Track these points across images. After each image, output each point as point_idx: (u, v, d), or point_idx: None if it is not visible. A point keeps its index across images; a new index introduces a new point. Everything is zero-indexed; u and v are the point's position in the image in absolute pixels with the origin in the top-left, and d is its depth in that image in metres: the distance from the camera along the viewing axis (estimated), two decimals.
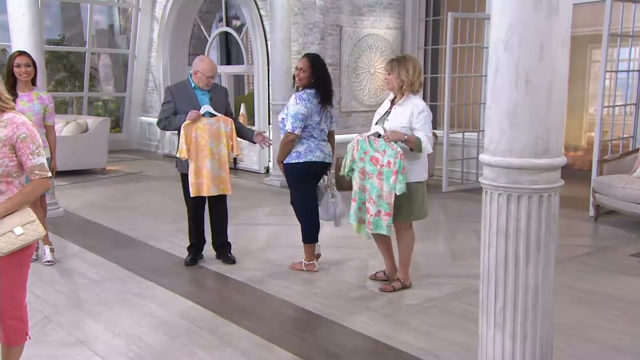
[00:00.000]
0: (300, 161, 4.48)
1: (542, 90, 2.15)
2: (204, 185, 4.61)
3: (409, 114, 3.96)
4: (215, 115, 4.62)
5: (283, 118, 4.52)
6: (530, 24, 2.11)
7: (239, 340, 3.50)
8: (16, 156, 2.50)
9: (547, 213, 2.24)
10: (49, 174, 2.58)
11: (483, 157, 2.32)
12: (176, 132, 4.73)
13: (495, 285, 2.32)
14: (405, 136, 3.91)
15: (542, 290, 2.28)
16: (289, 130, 4.43)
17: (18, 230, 2.46)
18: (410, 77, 3.99)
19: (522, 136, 2.19)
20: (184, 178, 4.71)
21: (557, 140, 2.23)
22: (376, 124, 4.16)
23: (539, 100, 2.16)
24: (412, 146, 3.93)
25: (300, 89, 4.52)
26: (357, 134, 4.23)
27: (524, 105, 2.17)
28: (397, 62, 4.06)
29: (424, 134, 3.93)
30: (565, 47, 2.18)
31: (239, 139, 4.76)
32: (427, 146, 3.92)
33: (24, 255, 2.57)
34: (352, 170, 4.18)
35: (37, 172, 2.54)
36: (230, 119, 4.72)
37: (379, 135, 4.02)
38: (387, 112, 4.12)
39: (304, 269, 4.67)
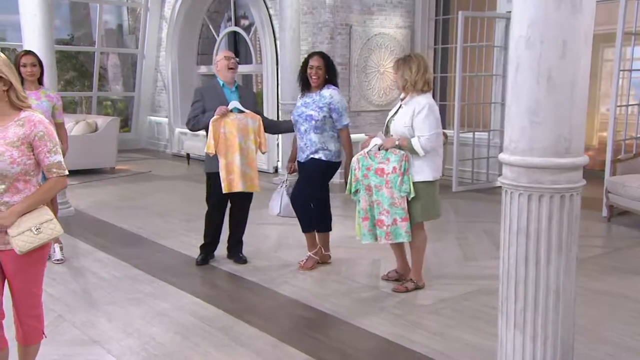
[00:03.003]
0: (337, 161, 4.57)
1: (564, 87, 2.12)
2: (234, 181, 4.58)
3: (411, 113, 3.96)
4: (244, 112, 4.61)
5: (310, 115, 4.48)
6: (553, 20, 2.08)
7: (252, 339, 3.48)
8: (34, 154, 2.50)
9: (569, 213, 2.21)
10: (67, 172, 2.58)
11: (503, 156, 2.29)
12: (188, 132, 4.72)
13: (515, 286, 2.29)
14: (397, 141, 3.98)
15: (564, 292, 2.24)
16: (349, 124, 4.56)
17: (36, 228, 2.47)
18: (413, 76, 3.97)
19: (544, 135, 2.15)
20: (211, 177, 4.69)
21: (579, 139, 2.19)
22: (387, 124, 4.16)
23: (561, 98, 2.13)
24: (405, 149, 3.98)
25: (315, 88, 4.55)
26: (358, 153, 4.23)
27: (546, 103, 2.14)
28: (403, 61, 4.07)
29: (416, 137, 3.93)
30: (588, 44, 2.14)
31: (275, 134, 4.77)
32: (417, 147, 3.91)
33: (42, 253, 2.58)
34: (356, 190, 4.18)
35: (54, 170, 2.54)
36: (258, 116, 4.70)
37: (379, 148, 4.06)
38: (396, 112, 4.13)
39: (311, 264, 4.68)
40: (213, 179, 4.66)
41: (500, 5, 7.92)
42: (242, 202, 4.84)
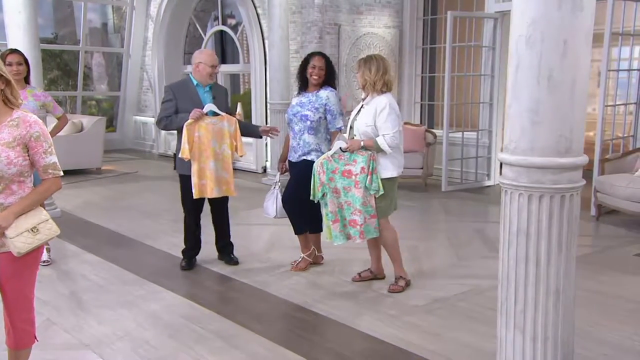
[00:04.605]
0: None
1: (565, 87, 2.11)
2: (207, 186, 4.48)
3: (373, 112, 4.04)
4: (219, 114, 4.52)
5: (306, 115, 4.44)
6: (554, 19, 2.07)
7: (246, 342, 3.44)
8: (29, 155, 2.46)
9: (569, 213, 2.21)
10: (62, 173, 2.55)
11: (502, 156, 2.27)
12: (174, 131, 4.64)
13: (515, 287, 2.28)
14: (362, 142, 4.05)
15: (564, 292, 2.23)
16: (342, 128, 4.51)
17: (34, 229, 2.42)
18: (373, 76, 4.05)
19: (545, 134, 2.14)
20: (183, 179, 4.58)
21: (580, 139, 2.19)
22: (351, 126, 4.22)
23: (561, 98, 2.12)
24: (371, 149, 4.04)
25: (312, 88, 4.53)
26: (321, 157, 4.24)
27: (547, 102, 2.13)
28: (364, 61, 4.15)
29: (381, 135, 4.00)
30: (588, 43, 2.14)
31: (245, 137, 4.68)
32: (384, 146, 3.99)
33: (35, 255, 2.54)
34: (323, 194, 4.17)
35: (50, 170, 2.50)
36: (234, 119, 4.60)
37: (344, 151, 4.10)
38: (358, 112, 4.19)
39: (304, 265, 4.65)
40: (185, 182, 4.53)
41: (488, 5, 7.94)
42: (218, 204, 4.74)
